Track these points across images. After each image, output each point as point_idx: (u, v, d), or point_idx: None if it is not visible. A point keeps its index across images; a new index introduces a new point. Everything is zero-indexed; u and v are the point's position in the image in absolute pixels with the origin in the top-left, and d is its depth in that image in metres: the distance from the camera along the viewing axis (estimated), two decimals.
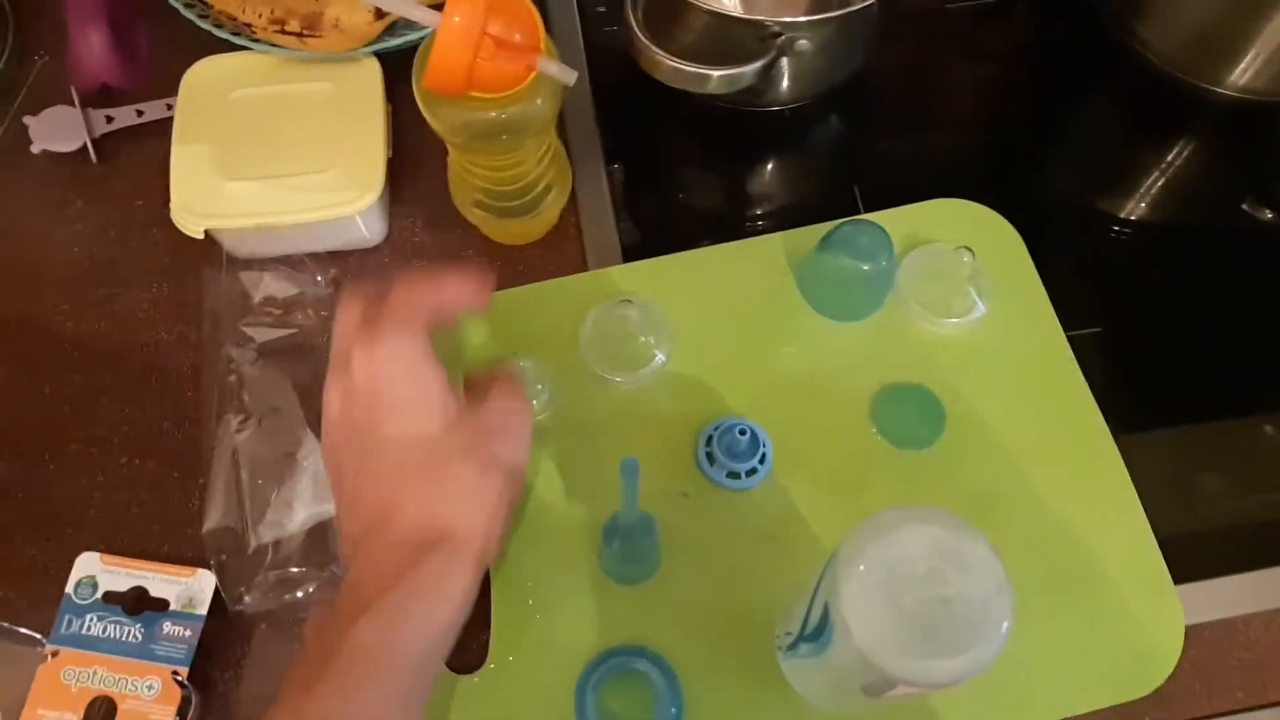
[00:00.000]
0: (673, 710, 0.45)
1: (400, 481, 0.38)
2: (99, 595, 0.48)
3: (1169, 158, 0.65)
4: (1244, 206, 0.64)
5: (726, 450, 0.50)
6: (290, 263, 0.57)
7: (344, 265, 0.58)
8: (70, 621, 0.48)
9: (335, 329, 0.41)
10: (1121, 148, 0.67)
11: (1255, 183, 0.65)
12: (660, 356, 0.53)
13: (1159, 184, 0.65)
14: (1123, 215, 0.63)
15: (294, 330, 0.55)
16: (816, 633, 0.37)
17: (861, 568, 0.33)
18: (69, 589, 0.48)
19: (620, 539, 0.46)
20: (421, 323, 0.40)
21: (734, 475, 0.50)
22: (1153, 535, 0.49)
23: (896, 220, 0.55)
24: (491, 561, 0.40)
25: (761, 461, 0.50)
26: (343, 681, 0.34)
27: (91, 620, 0.48)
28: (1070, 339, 0.53)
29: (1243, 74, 0.63)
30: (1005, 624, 0.33)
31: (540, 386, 0.52)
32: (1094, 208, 0.64)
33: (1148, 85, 0.67)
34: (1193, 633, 0.48)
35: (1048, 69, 0.69)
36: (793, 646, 0.42)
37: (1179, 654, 0.47)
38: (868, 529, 0.34)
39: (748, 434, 0.50)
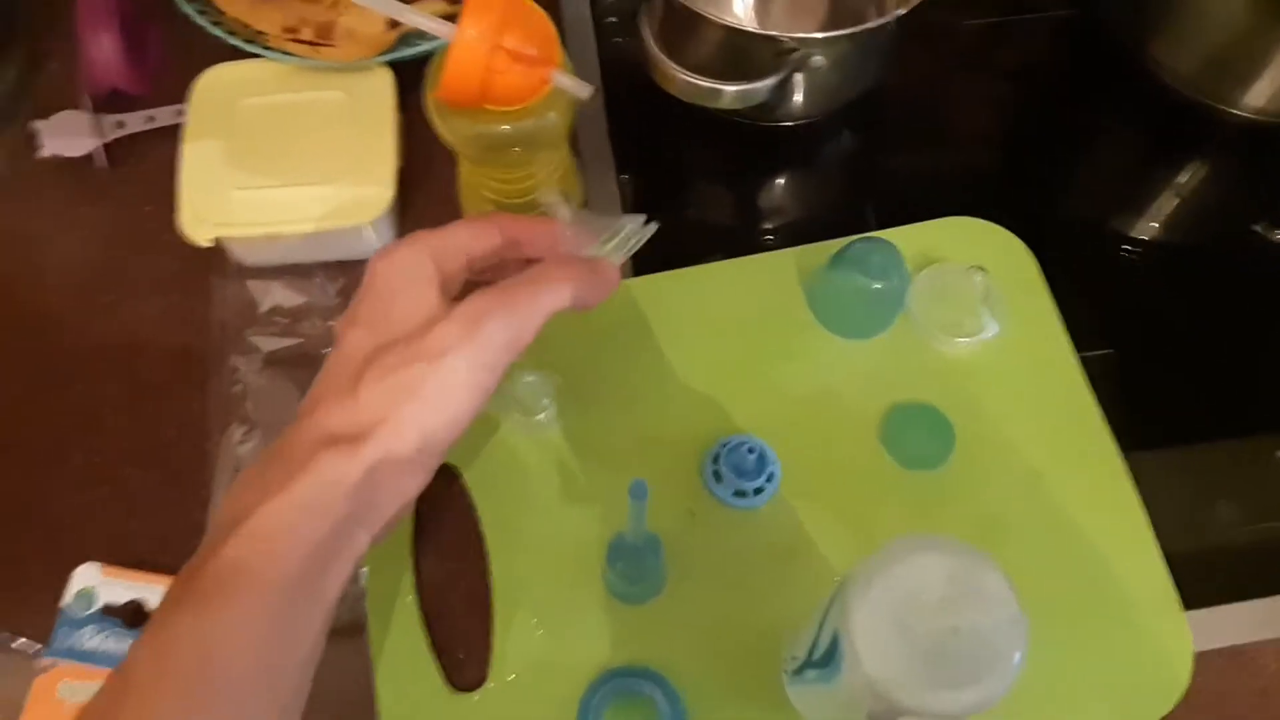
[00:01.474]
0: None
1: (327, 385, 0.36)
2: (98, 607, 0.48)
3: (1182, 179, 0.65)
4: (1257, 228, 0.63)
5: (734, 468, 0.50)
6: (299, 272, 0.56)
7: (353, 275, 0.58)
8: (67, 634, 0.47)
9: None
10: (1135, 168, 0.66)
11: (1268, 205, 0.64)
12: None
13: (1172, 205, 0.64)
14: (1136, 236, 0.63)
15: (300, 340, 0.55)
16: (825, 660, 0.36)
17: (872, 596, 0.33)
18: (67, 600, 0.48)
19: (625, 559, 0.46)
20: (432, 245, 0.39)
21: (741, 494, 0.50)
22: (1163, 560, 0.49)
23: (909, 238, 0.54)
24: (398, 489, 0.37)
25: (769, 480, 0.50)
26: (202, 602, 0.32)
27: (89, 632, 0.47)
28: (1082, 360, 0.53)
29: (1258, 95, 0.63)
30: (1018, 655, 0.33)
31: (546, 401, 0.51)
32: (1107, 228, 0.63)
33: (1162, 105, 0.66)
34: (1202, 659, 0.48)
35: (1062, 88, 0.69)
36: (799, 671, 0.42)
37: (1187, 681, 0.47)
38: (880, 557, 0.33)
39: (755, 452, 0.49)
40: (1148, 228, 0.63)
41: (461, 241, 0.39)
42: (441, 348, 0.36)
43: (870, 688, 0.33)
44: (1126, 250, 0.62)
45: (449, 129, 0.48)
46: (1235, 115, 0.64)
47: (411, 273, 0.37)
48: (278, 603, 0.33)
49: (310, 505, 0.33)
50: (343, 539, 0.34)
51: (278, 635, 0.33)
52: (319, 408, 0.36)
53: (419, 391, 0.35)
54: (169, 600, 0.33)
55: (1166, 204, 0.64)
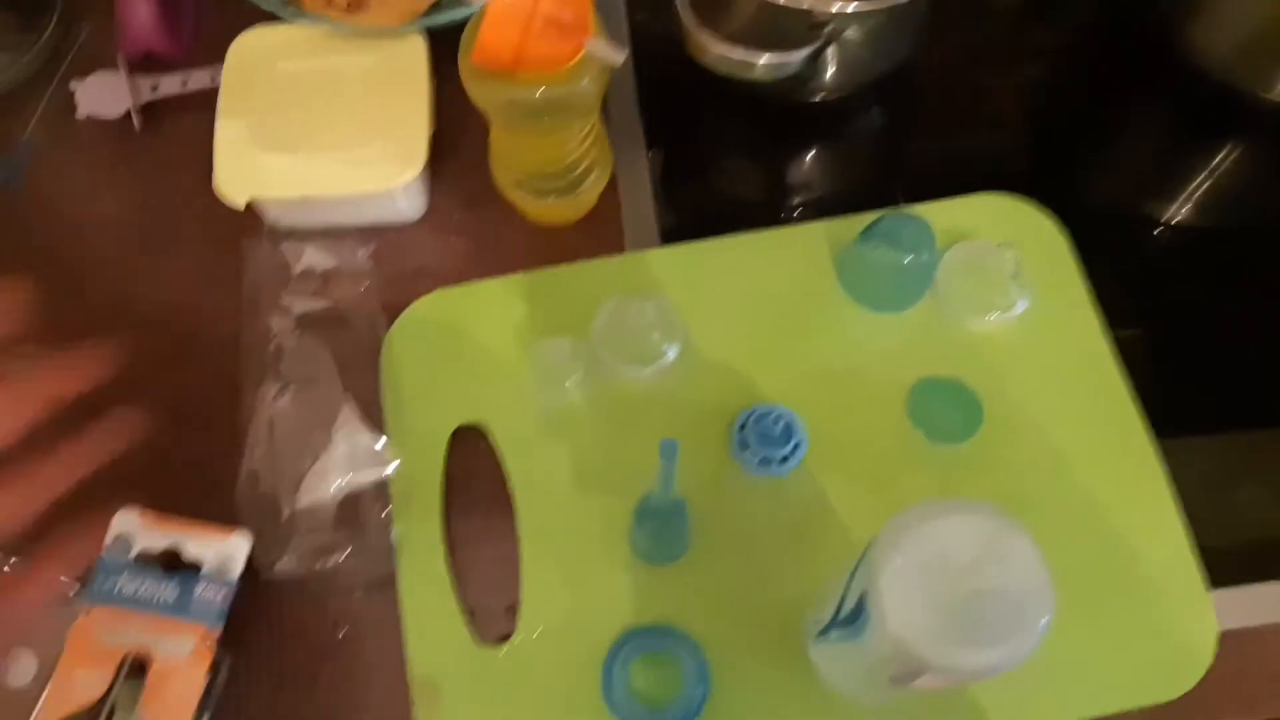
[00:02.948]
0: (700, 691, 0.45)
1: None
2: (134, 554, 0.49)
3: (1216, 162, 0.65)
4: None
5: (760, 436, 0.50)
6: (330, 236, 0.57)
7: (383, 240, 0.58)
8: (106, 577, 0.48)
9: None
10: (1168, 150, 0.66)
11: None
12: (670, 353, 0.53)
13: (1205, 188, 0.64)
14: (1168, 218, 0.63)
15: (332, 303, 0.55)
16: (851, 618, 0.37)
17: (901, 556, 0.33)
18: (105, 546, 0.49)
19: (652, 521, 0.46)
20: None
21: (766, 462, 0.50)
22: (1189, 539, 0.49)
23: (939, 213, 0.54)
24: None
25: (795, 450, 0.50)
26: None
27: (126, 577, 0.48)
28: (1113, 339, 0.53)
29: None
30: (1044, 619, 0.33)
31: (575, 366, 0.52)
32: (1139, 209, 0.63)
33: (1196, 88, 0.66)
34: (1226, 639, 0.48)
35: (1095, 68, 0.68)
36: (823, 633, 0.42)
37: (1210, 660, 0.47)
38: (910, 517, 0.33)
39: (782, 421, 0.50)
40: (1180, 210, 0.63)
41: None
42: None
43: (895, 646, 0.33)
44: (1158, 232, 0.62)
45: (482, 95, 0.49)
46: (1269, 100, 0.64)
47: None
48: None
49: None
50: None
51: None
52: None
53: None
54: None
55: (1199, 187, 0.64)
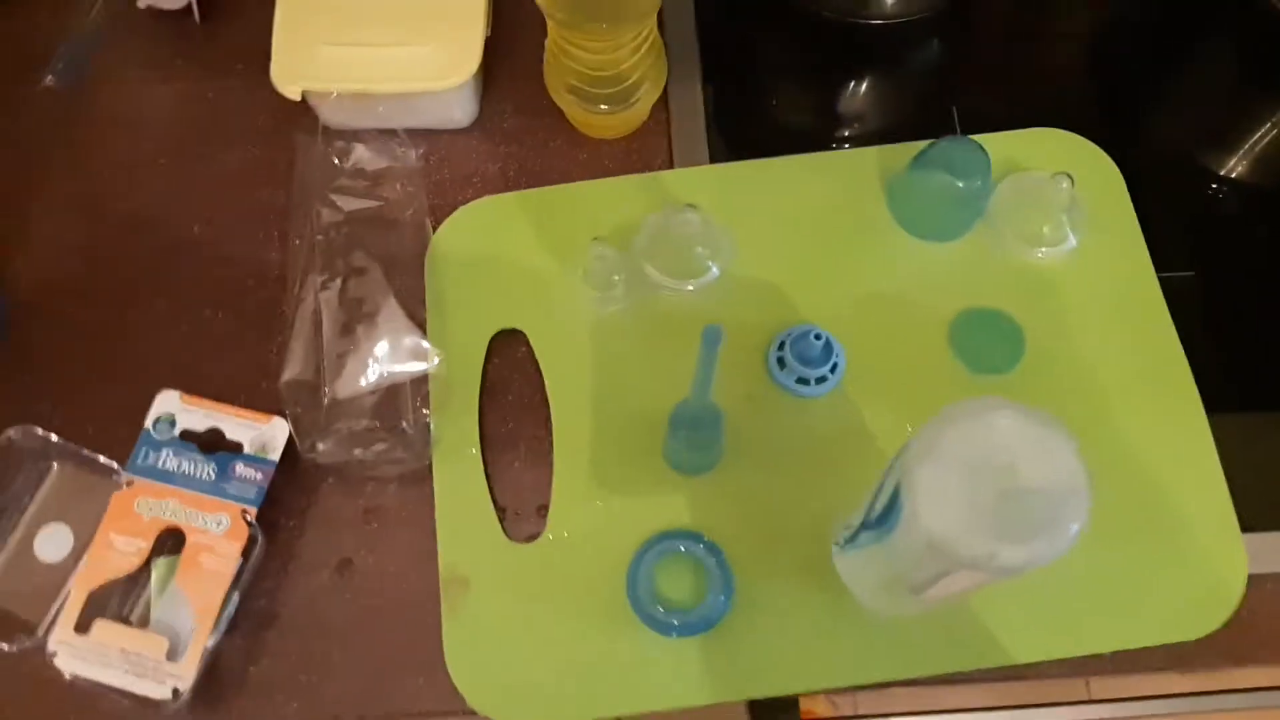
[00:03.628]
0: (723, 598, 0.46)
1: None
2: (176, 432, 0.50)
3: None
4: None
5: (799, 356, 0.50)
6: (382, 137, 0.57)
7: (433, 144, 0.58)
8: (147, 454, 0.49)
9: None
10: (1233, 98, 0.64)
11: None
12: (714, 270, 0.52)
13: (1268, 139, 0.62)
14: (1228, 166, 0.61)
15: (381, 202, 0.56)
16: (882, 517, 0.37)
17: (940, 449, 0.33)
18: (148, 423, 0.50)
19: (687, 428, 0.46)
20: None
21: (804, 381, 0.50)
22: (1224, 481, 0.48)
23: (994, 145, 0.53)
24: None
25: (833, 370, 0.50)
26: None
27: (167, 454, 0.49)
28: (1161, 280, 0.52)
29: None
30: (1076, 525, 0.33)
31: (617, 277, 0.52)
32: (1198, 156, 0.61)
33: (1267, 34, 0.64)
34: (1255, 582, 0.47)
35: (1163, 8, 0.67)
36: (852, 538, 0.42)
37: (1239, 601, 0.47)
38: (952, 411, 0.33)
39: (821, 341, 0.50)
40: (1240, 160, 0.61)
41: None
42: None
43: (927, 536, 0.33)
44: (1216, 179, 0.61)
45: None
46: None
47: None
48: None
49: None
50: None
51: None
52: None
53: None
54: None
55: (1262, 138, 0.62)
